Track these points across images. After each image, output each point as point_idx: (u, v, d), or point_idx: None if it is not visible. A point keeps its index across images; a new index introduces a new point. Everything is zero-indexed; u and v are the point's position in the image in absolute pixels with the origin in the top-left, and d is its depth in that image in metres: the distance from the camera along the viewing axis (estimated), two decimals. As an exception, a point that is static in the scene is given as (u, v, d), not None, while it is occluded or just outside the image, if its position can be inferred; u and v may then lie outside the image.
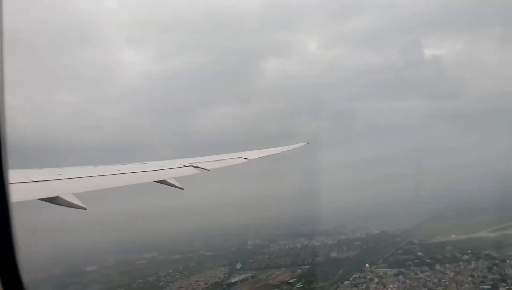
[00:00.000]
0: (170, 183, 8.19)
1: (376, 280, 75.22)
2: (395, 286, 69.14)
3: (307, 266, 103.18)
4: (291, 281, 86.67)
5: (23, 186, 5.69)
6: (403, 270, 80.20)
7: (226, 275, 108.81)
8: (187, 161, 9.89)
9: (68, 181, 6.52)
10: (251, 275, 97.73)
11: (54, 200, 5.70)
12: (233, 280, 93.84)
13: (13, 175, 5.73)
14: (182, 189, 8.29)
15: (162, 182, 8.13)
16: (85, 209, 5.83)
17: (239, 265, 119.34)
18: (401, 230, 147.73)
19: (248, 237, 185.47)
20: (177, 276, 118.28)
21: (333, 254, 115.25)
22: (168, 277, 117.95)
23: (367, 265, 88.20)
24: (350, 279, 79.62)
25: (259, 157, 12.91)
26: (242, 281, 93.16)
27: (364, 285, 72.60)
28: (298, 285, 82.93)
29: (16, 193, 5.37)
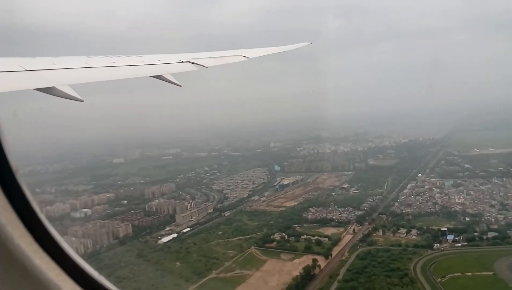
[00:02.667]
0: (167, 79, 7.74)
1: (436, 190, 77.19)
2: (461, 197, 71.06)
3: (350, 172, 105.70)
4: (344, 186, 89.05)
5: (17, 75, 5.50)
6: (459, 181, 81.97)
7: (268, 176, 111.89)
8: (184, 57, 9.43)
9: (63, 71, 6.35)
10: (300, 178, 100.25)
11: (50, 91, 5.49)
12: (285, 182, 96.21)
13: (5, 63, 5.59)
14: (180, 86, 7.87)
15: (159, 77, 7.71)
16: (82, 101, 5.63)
17: (277, 167, 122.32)
18: (430, 140, 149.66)
19: (266, 139, 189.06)
20: (217, 173, 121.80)
21: (371, 161, 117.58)
22: (207, 174, 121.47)
23: (419, 174, 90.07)
24: (407, 187, 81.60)
25: (260, 56, 12.26)
26: (293, 183, 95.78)
27: (427, 194, 74.58)
28: (353, 190, 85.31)
29: (10, 82, 5.26)
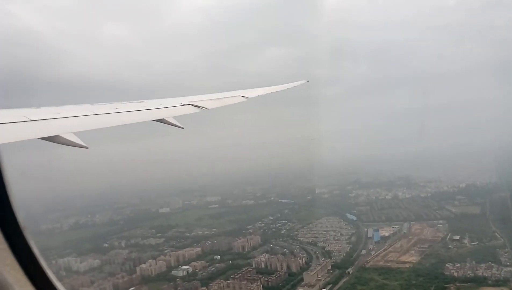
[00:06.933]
0: (169, 122, 7.92)
1: None
2: None
3: (440, 221, 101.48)
4: (455, 237, 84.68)
5: (23, 126, 5.71)
6: None
7: (350, 226, 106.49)
8: (186, 100, 9.68)
9: (67, 120, 6.52)
10: (397, 228, 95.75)
11: (54, 139, 5.65)
12: (386, 234, 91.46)
13: (10, 115, 5.89)
14: (182, 128, 7.96)
15: (162, 121, 7.89)
16: (86, 147, 5.77)
17: (351, 216, 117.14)
18: (490, 184, 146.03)
19: (301, 185, 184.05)
20: (288, 223, 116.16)
21: (452, 209, 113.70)
22: (278, 224, 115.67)
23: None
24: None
25: (259, 96, 12.66)
26: (392, 235, 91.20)
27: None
28: (468, 242, 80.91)
29: (15, 133, 5.47)
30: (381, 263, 74.33)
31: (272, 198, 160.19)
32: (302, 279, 67.86)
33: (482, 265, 66.19)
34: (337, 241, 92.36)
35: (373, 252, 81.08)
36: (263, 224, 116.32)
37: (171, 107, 8.96)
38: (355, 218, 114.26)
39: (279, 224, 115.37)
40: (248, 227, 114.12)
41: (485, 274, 62.56)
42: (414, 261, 72.71)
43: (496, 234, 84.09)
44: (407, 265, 70.94)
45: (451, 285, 60.05)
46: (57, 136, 5.62)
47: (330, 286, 65.21)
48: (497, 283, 59.74)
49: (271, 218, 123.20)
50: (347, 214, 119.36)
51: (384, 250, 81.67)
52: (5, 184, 2.30)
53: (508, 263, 66.21)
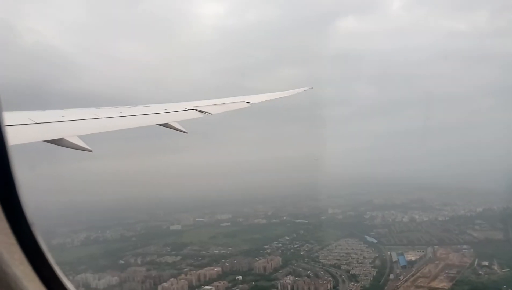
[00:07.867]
0: (173, 127, 7.92)
1: None
2: None
3: (465, 246, 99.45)
4: (484, 263, 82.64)
5: (27, 128, 5.66)
6: None
7: (371, 249, 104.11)
8: (189, 105, 9.52)
9: (71, 123, 6.47)
10: (423, 253, 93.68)
11: (58, 142, 5.64)
12: (412, 258, 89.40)
13: (16, 117, 5.79)
14: (186, 132, 7.97)
15: (165, 125, 7.87)
16: (90, 151, 5.77)
17: (371, 239, 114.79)
18: (508, 208, 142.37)
19: (313, 204, 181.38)
20: (306, 245, 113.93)
21: (474, 233, 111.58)
22: (296, 245, 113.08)
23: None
24: (563, 267, 75.67)
25: (262, 101, 12.45)
26: (418, 259, 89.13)
27: None
28: (497, 268, 78.86)
29: (21, 135, 5.41)
30: (412, 289, 72.34)
31: (284, 218, 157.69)
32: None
33: (520, 294, 64.33)
34: (361, 265, 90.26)
35: (401, 277, 79.02)
36: (280, 244, 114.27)
37: (175, 111, 8.94)
38: (375, 241, 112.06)
39: (297, 245, 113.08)
40: (265, 247, 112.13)
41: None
42: (447, 288, 70.75)
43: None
44: (440, 292, 69.04)
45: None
46: (61, 139, 5.60)
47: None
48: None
49: (287, 238, 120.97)
50: (366, 237, 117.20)
51: (412, 275, 79.62)
52: (14, 180, 2.32)
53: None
